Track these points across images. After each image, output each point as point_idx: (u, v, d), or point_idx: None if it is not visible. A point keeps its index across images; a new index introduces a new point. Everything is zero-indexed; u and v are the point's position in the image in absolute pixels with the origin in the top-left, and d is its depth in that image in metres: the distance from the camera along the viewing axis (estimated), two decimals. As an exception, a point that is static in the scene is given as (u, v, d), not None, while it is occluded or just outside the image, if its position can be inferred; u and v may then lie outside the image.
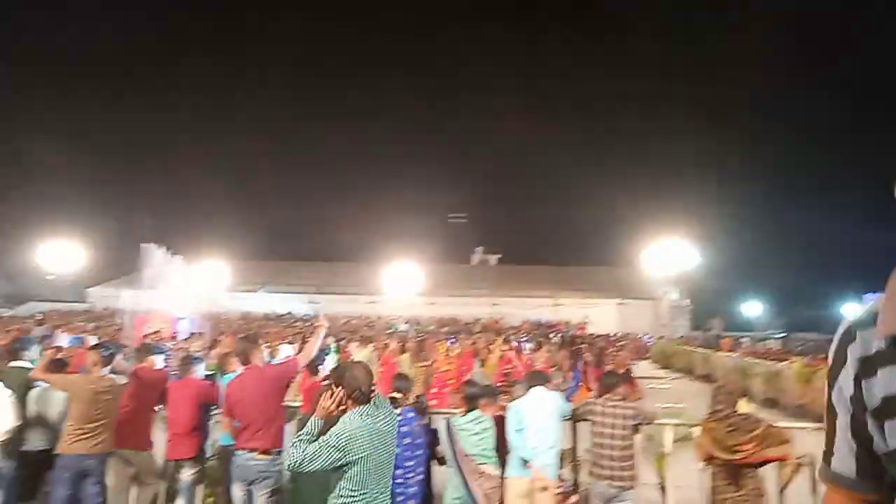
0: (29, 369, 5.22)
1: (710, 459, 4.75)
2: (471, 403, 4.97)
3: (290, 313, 31.68)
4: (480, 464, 4.75)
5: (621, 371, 6.98)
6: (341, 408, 3.15)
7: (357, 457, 3.01)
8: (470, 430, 4.82)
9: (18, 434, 5.04)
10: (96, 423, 4.82)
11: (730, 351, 21.19)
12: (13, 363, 5.35)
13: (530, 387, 5.04)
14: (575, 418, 5.10)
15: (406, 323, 31.80)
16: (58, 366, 5.28)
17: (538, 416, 4.70)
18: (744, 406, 5.01)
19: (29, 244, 36.70)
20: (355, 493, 3.04)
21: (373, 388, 3.18)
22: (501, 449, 4.86)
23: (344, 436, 3.02)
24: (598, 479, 4.77)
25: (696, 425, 5.07)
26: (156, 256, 23.10)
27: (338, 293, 35.73)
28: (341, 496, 3.05)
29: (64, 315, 26.87)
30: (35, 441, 5.18)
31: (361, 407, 3.12)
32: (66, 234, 36.26)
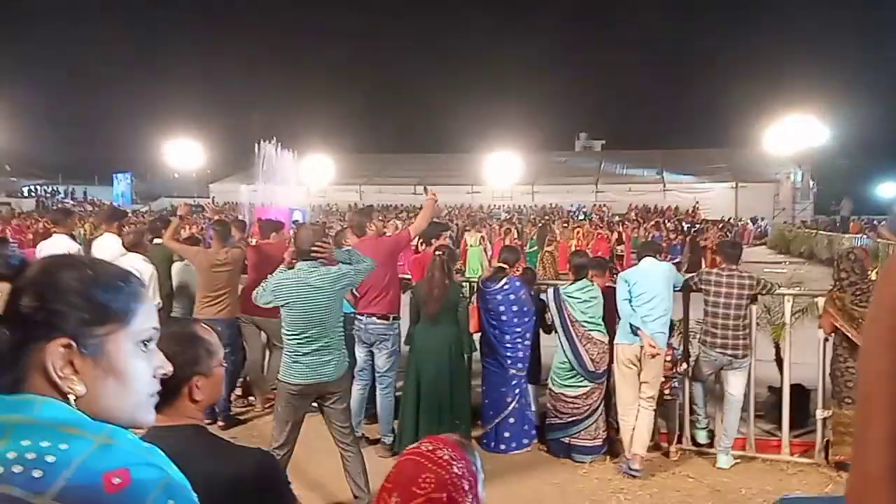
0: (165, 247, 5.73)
1: (833, 331, 4.56)
2: (579, 272, 4.98)
3: (395, 205, 32.60)
4: (589, 330, 4.82)
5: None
6: (294, 261, 3.78)
7: (284, 301, 3.64)
8: (578, 298, 4.86)
9: (167, 302, 5.65)
10: (219, 291, 5.33)
11: (858, 233, 19.65)
12: (157, 240, 5.88)
13: (641, 257, 4.96)
14: (688, 289, 4.99)
15: (506, 212, 31.90)
16: (191, 242, 5.77)
17: (649, 285, 4.63)
18: (874, 276, 4.69)
19: (157, 145, 39.36)
20: (288, 333, 3.66)
21: (315, 248, 3.66)
22: (611, 319, 4.88)
23: (274, 282, 3.70)
24: (710, 347, 4.72)
25: (819, 295, 4.83)
26: (269, 153, 24.05)
27: (440, 184, 36.05)
28: (283, 334, 3.71)
29: (190, 208, 29.05)
30: (178, 308, 5.80)
31: (301, 262, 3.67)
32: (189, 134, 38.46)
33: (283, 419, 3.68)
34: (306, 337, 3.61)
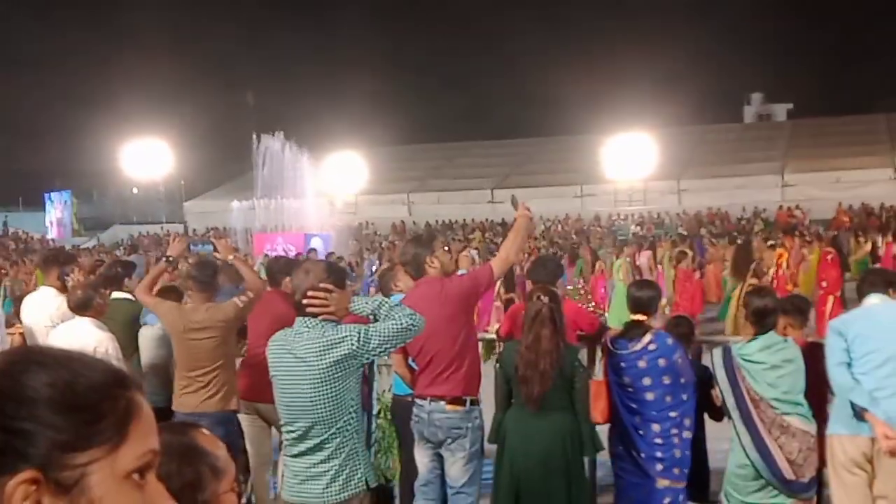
0: (135, 302, 5.98)
1: None
2: (762, 323, 4.91)
3: (463, 221, 32.86)
4: (782, 414, 4.72)
5: None
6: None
7: (273, 375, 3.90)
8: (763, 363, 4.79)
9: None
10: (202, 370, 5.44)
11: None
12: (115, 295, 6.15)
13: (865, 294, 4.84)
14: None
15: (638, 225, 31.63)
16: (173, 296, 5.98)
17: (881, 338, 4.52)
18: None
19: (107, 150, 41.16)
20: (281, 419, 3.96)
21: (308, 298, 3.80)
22: (819, 395, 4.79)
23: (274, 346, 3.95)
24: None
25: None
26: (271, 152, 24.67)
27: (530, 186, 36.11)
28: None
29: (157, 240, 30.19)
30: (150, 395, 6.01)
31: (298, 319, 3.88)
32: (153, 131, 39.97)
33: None
34: (294, 431, 3.77)
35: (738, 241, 16.20)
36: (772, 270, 12.96)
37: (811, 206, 31.57)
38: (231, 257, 5.99)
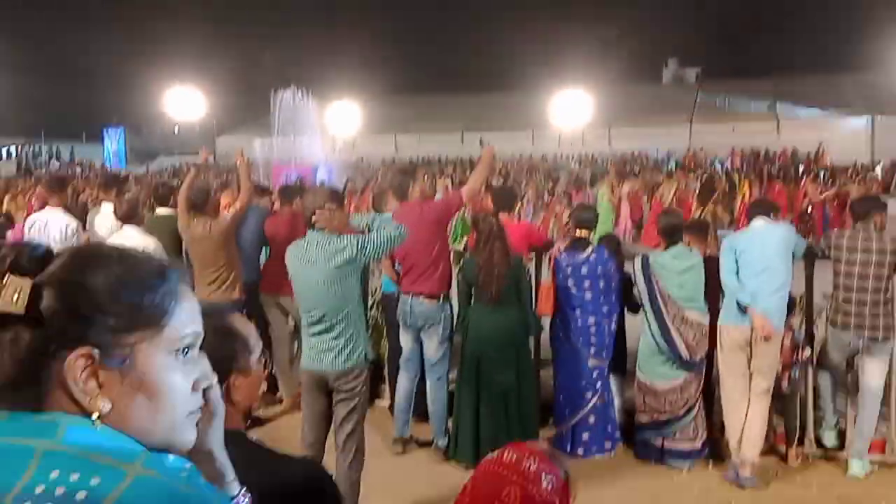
0: (175, 217, 5.91)
1: None
2: (671, 237, 4.95)
3: (438, 158, 32.59)
4: (683, 308, 4.80)
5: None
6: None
7: (291, 275, 3.92)
8: (671, 268, 4.83)
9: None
10: (207, 270, 5.41)
11: None
12: (159, 210, 6.08)
13: (751, 217, 4.88)
14: (812, 256, 4.90)
15: (578, 162, 31.56)
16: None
17: (761, 252, 4.57)
18: None
19: (153, 94, 40.25)
20: (299, 308, 3.96)
21: (317, 216, 3.79)
22: (714, 295, 4.85)
23: (290, 252, 3.93)
24: (841, 328, 4.64)
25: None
26: (286, 99, 24.29)
27: (494, 130, 35.81)
28: None
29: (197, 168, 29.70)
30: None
31: (309, 232, 3.86)
32: (191, 79, 39.11)
33: (305, 413, 3.96)
34: (310, 317, 3.81)
35: (703, 179, 16.29)
36: (670, 196, 13.17)
37: (712, 150, 31.67)
38: (238, 162, 5.93)
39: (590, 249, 5.03)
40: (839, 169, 23.76)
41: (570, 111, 34.88)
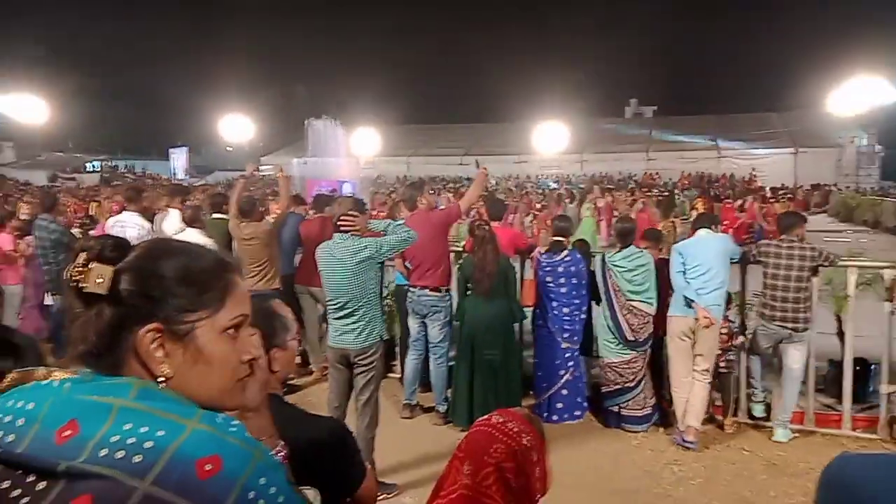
0: (224, 219, 5.91)
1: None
2: (624, 240, 4.95)
3: (442, 176, 32.50)
4: (629, 300, 4.79)
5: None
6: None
7: (320, 269, 3.87)
8: (623, 267, 4.83)
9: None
10: (251, 265, 5.39)
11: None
12: (214, 215, 6.08)
13: (696, 228, 4.87)
14: (745, 261, 4.89)
15: (555, 182, 31.49)
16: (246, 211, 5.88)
17: (704, 257, 4.56)
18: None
19: (210, 119, 40.29)
20: (326, 298, 3.91)
21: (340, 221, 3.80)
22: (664, 289, 4.83)
23: (321, 250, 3.88)
24: (769, 320, 4.63)
25: (886, 266, 4.66)
26: (317, 126, 24.33)
27: (486, 154, 35.77)
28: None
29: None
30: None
31: (335, 234, 3.83)
32: (241, 107, 39.19)
33: (330, 382, 3.96)
34: (335, 303, 3.80)
35: (663, 196, 16.34)
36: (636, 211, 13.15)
37: (665, 174, 31.63)
38: (279, 178, 5.97)
39: (565, 252, 5.02)
40: (771, 190, 23.74)
41: (549, 139, 34.78)
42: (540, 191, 23.13)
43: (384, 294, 5.95)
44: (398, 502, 3.82)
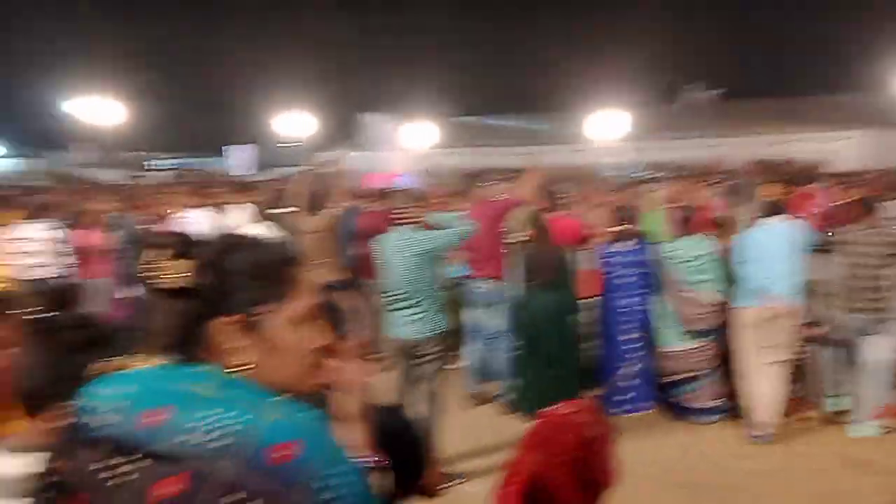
0: (287, 213, 6.04)
1: None
2: (685, 228, 4.83)
3: (497, 167, 32.36)
4: (691, 288, 4.65)
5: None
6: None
7: (382, 261, 3.89)
8: (684, 255, 4.70)
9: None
10: (317, 256, 5.44)
11: None
12: (277, 210, 6.22)
13: (763, 216, 4.68)
14: (823, 249, 4.67)
15: (615, 170, 30.87)
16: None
17: (772, 246, 4.38)
18: None
19: (268, 117, 41.42)
20: (384, 289, 3.93)
21: (402, 214, 3.84)
22: (731, 278, 4.67)
23: (379, 243, 3.93)
24: (849, 311, 4.41)
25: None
26: (372, 120, 24.67)
27: (540, 144, 35.39)
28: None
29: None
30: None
31: (396, 227, 3.85)
32: (298, 104, 40.08)
33: (392, 373, 4.00)
34: (394, 295, 3.84)
35: (729, 183, 15.87)
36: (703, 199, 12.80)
37: (730, 160, 30.52)
38: (337, 172, 6.17)
39: (627, 241, 4.91)
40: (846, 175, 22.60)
41: (606, 127, 34.09)
42: (600, 179, 22.68)
43: (444, 285, 5.99)
44: (462, 491, 3.84)
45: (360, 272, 5.92)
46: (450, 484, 3.80)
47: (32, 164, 32.48)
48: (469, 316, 5.19)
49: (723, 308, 4.67)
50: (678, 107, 43.00)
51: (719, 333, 4.73)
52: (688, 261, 4.68)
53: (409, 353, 3.87)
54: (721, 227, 5.18)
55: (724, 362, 4.78)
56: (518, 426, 4.49)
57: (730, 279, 4.67)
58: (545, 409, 1.45)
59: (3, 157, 33.66)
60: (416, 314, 3.79)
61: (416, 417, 3.67)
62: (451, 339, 5.60)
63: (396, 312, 3.87)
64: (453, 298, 5.89)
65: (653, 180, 15.92)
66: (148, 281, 0.91)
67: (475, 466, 4.04)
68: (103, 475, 0.80)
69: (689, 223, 4.85)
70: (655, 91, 43.39)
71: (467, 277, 5.09)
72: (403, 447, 1.68)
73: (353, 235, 6.17)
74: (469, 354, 5.18)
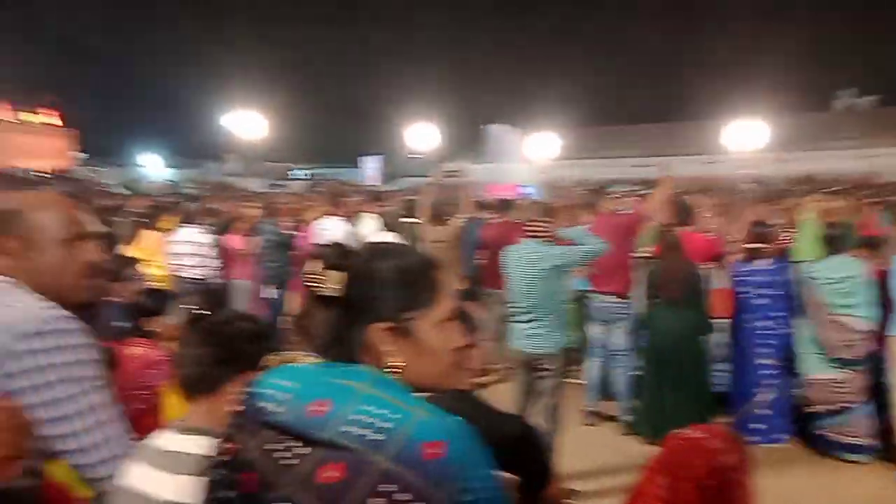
0: (416, 223, 6.25)
1: None
2: (833, 247, 4.45)
3: (623, 179, 31.40)
4: (837, 314, 4.26)
5: None
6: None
7: (507, 272, 3.88)
8: (828, 277, 4.32)
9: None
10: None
11: None
12: (405, 219, 6.46)
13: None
14: None
15: (752, 182, 28.86)
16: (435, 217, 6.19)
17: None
18: None
19: (397, 129, 42.97)
20: (509, 302, 3.92)
21: (533, 227, 3.84)
22: (886, 304, 4.22)
23: (506, 255, 3.94)
24: None
25: None
26: (495, 132, 24.84)
27: (670, 155, 33.85)
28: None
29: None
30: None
31: (524, 240, 3.85)
32: (425, 117, 41.28)
33: (513, 385, 3.98)
34: (519, 308, 3.81)
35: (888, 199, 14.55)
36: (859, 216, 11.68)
37: (888, 173, 27.57)
38: (460, 183, 6.19)
39: (764, 260, 4.61)
40: None
41: (744, 137, 32.04)
42: (737, 192, 21.33)
43: (568, 299, 5.93)
44: (579, 510, 3.77)
45: (481, 282, 6.01)
46: (573, 501, 3.74)
47: (188, 174, 35.91)
48: (591, 331, 5.09)
49: (874, 336, 4.25)
50: (830, 114, 39.49)
51: (871, 363, 4.31)
52: (833, 282, 4.31)
53: (530, 365, 3.87)
54: (874, 247, 4.72)
55: (878, 396, 4.34)
56: (636, 448, 4.37)
57: (884, 305, 4.24)
58: (675, 432, 1.42)
59: (167, 167, 37.46)
60: (538, 328, 3.79)
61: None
62: (574, 354, 5.54)
63: (519, 324, 3.88)
64: (578, 312, 5.82)
65: (795, 194, 14.81)
66: (309, 289, 1.01)
67: (591, 486, 3.95)
68: (277, 456, 0.89)
69: (839, 242, 4.47)
70: (801, 98, 40.23)
71: (590, 291, 5.00)
72: (529, 455, 1.71)
73: (476, 246, 6.26)
74: (589, 370, 5.08)
